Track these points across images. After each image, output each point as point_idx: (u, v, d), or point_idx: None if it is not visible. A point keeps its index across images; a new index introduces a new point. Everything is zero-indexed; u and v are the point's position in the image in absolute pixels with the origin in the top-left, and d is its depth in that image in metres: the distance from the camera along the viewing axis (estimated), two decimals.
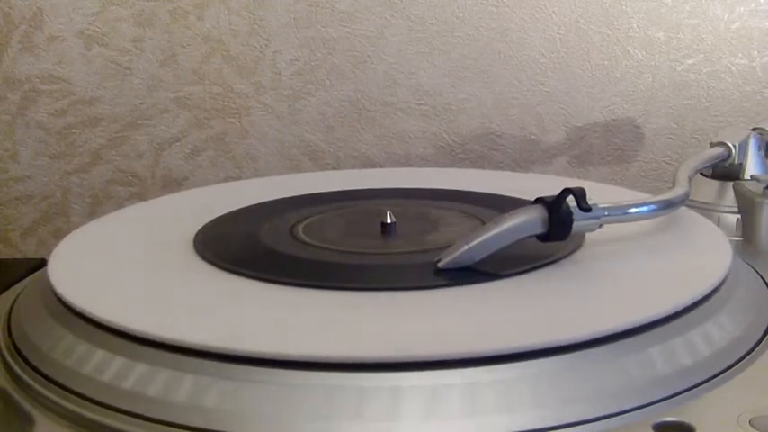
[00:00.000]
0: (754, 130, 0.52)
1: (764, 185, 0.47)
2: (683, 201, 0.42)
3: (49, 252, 0.41)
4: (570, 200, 0.37)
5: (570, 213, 0.37)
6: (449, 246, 0.37)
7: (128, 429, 0.29)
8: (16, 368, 0.34)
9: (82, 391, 0.31)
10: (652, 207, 0.41)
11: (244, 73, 0.68)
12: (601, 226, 0.38)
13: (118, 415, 0.30)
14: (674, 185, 0.44)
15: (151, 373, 0.30)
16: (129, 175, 0.70)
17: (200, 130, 0.69)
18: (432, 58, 0.68)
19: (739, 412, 0.29)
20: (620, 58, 0.68)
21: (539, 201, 0.38)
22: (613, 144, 0.69)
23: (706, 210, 0.50)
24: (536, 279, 0.36)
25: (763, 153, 0.52)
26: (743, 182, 0.49)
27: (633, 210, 0.40)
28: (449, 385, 0.28)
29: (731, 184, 0.50)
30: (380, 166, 0.69)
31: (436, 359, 0.29)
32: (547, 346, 0.30)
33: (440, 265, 0.37)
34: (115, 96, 0.68)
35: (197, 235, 0.43)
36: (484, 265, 0.36)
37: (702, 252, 0.40)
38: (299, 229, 0.44)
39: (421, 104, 0.69)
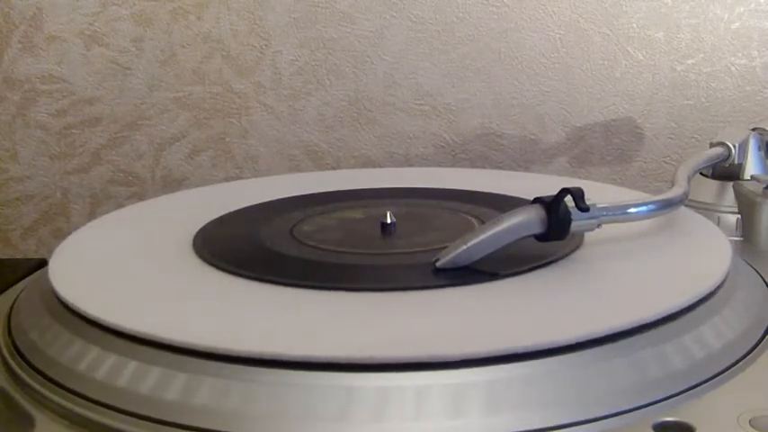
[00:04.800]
0: (754, 130, 0.52)
1: (764, 185, 0.47)
2: (682, 200, 0.42)
3: (49, 252, 0.41)
4: (569, 200, 0.37)
5: (568, 213, 0.37)
6: (448, 246, 0.37)
7: (127, 429, 0.29)
8: (16, 368, 0.34)
9: (82, 390, 0.31)
10: (651, 207, 0.40)
11: (244, 73, 0.68)
12: (599, 226, 0.38)
13: (118, 414, 0.30)
14: (672, 185, 0.44)
15: (151, 372, 0.30)
16: (129, 175, 0.70)
17: (200, 130, 0.69)
18: (432, 58, 0.68)
19: (739, 412, 0.29)
20: (620, 58, 0.68)
21: (537, 201, 0.38)
22: (613, 144, 0.69)
23: (706, 210, 0.50)
24: (535, 279, 0.36)
25: (763, 153, 0.52)
26: (743, 182, 0.49)
27: (632, 209, 0.40)
28: (447, 386, 0.28)
29: (731, 184, 0.50)
30: (380, 166, 0.69)
31: (436, 360, 0.29)
32: (546, 346, 0.30)
33: (438, 264, 0.37)
34: (115, 96, 0.68)
35: (197, 235, 0.43)
36: (483, 264, 0.36)
37: (702, 252, 0.40)
38: (299, 229, 0.44)
39: (421, 104, 0.69)
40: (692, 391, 0.31)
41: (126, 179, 0.70)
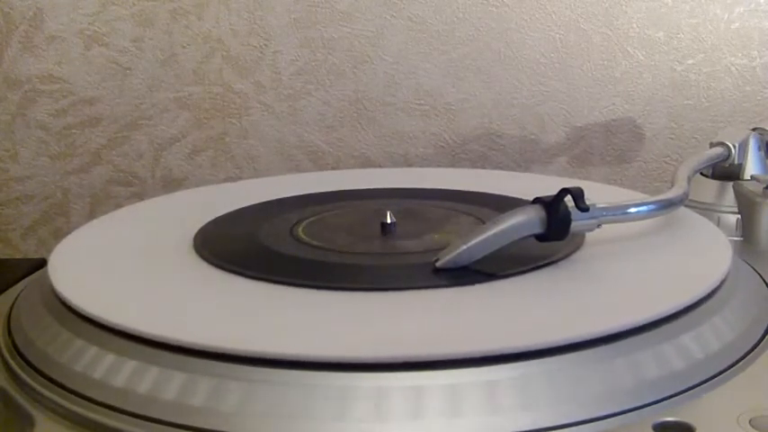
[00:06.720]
0: (754, 130, 0.52)
1: (764, 185, 0.47)
2: (682, 200, 0.42)
3: (49, 252, 0.41)
4: (569, 200, 0.37)
5: (568, 213, 0.37)
6: (448, 246, 0.37)
7: (127, 429, 0.29)
8: (16, 368, 0.34)
9: (82, 390, 0.31)
10: (651, 207, 0.40)
11: (244, 73, 0.68)
12: (599, 226, 0.38)
13: (118, 415, 0.30)
14: (672, 185, 0.44)
15: (150, 372, 0.30)
16: (129, 175, 0.70)
17: (200, 130, 0.69)
18: (432, 58, 0.68)
19: (739, 412, 0.29)
20: (620, 58, 0.68)
21: (537, 201, 0.38)
22: (613, 144, 0.69)
23: (706, 210, 0.50)
24: (535, 279, 0.36)
25: (763, 153, 0.52)
26: (743, 182, 0.49)
27: (632, 210, 0.40)
28: (447, 386, 0.28)
29: (731, 184, 0.50)
30: (380, 166, 0.69)
31: (435, 359, 0.29)
32: (546, 346, 0.30)
33: (438, 264, 0.37)
34: (115, 96, 0.68)
35: (197, 235, 0.43)
36: (483, 265, 0.36)
37: (702, 252, 0.40)
38: (299, 229, 0.44)
39: (421, 104, 0.69)
40: (692, 391, 0.31)
41: (126, 179, 0.70)
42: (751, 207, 0.47)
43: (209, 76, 0.68)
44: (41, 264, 0.44)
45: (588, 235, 0.39)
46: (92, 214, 0.69)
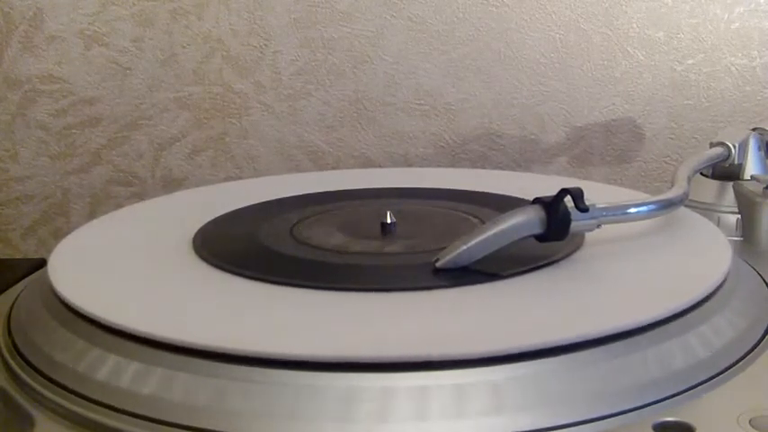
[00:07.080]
0: (754, 130, 0.52)
1: (764, 185, 0.47)
2: (682, 201, 0.42)
3: (49, 252, 0.41)
4: (568, 200, 0.37)
5: (568, 214, 0.37)
6: (448, 246, 0.37)
7: (127, 429, 0.29)
8: (16, 368, 0.34)
9: (82, 390, 0.31)
10: (650, 207, 0.40)
11: (244, 73, 0.68)
12: (599, 226, 0.38)
13: (118, 415, 0.30)
14: (672, 185, 0.44)
15: (150, 372, 0.30)
16: (129, 175, 0.70)
17: (200, 130, 0.69)
18: (432, 58, 0.68)
19: (739, 412, 0.29)
20: (620, 58, 0.68)
21: (537, 201, 0.38)
22: (613, 144, 0.69)
23: (706, 210, 0.50)
24: (535, 279, 0.36)
25: (763, 153, 0.52)
26: (743, 182, 0.49)
27: (631, 210, 0.40)
28: (447, 386, 0.28)
29: (731, 184, 0.50)
30: (380, 166, 0.69)
31: (435, 360, 0.29)
32: (546, 346, 0.30)
33: (438, 264, 0.37)
34: (115, 96, 0.68)
35: (197, 235, 0.43)
36: (483, 265, 0.36)
37: (702, 252, 0.40)
38: (299, 229, 0.44)
39: (421, 104, 0.69)
40: (692, 391, 0.31)
41: (126, 179, 0.70)
42: (751, 207, 0.47)
43: (209, 76, 0.68)
44: (41, 264, 0.44)
45: (588, 235, 0.39)
46: (92, 214, 0.69)
